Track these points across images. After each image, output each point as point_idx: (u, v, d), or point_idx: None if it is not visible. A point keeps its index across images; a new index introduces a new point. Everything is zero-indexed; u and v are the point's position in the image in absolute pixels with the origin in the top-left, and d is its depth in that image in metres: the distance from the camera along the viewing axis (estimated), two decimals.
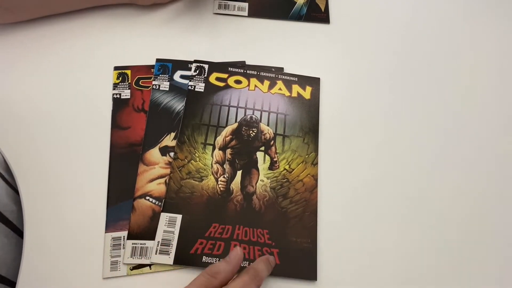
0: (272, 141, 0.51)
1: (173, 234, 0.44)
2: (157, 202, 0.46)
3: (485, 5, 0.66)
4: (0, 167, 0.49)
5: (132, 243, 0.44)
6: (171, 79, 0.54)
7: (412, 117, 0.55)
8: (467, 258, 0.47)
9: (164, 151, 0.49)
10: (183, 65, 0.55)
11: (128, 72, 0.53)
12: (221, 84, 0.54)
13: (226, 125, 0.51)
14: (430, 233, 0.48)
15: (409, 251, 0.47)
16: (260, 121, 0.52)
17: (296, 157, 0.50)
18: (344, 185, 0.50)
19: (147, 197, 0.46)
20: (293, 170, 0.49)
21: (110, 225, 0.45)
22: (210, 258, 0.43)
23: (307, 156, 0.50)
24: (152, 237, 0.44)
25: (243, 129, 0.51)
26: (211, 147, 0.49)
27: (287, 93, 0.54)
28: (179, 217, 0.45)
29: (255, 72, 0.55)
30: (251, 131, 0.51)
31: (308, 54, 0.58)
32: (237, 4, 0.61)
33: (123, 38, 0.56)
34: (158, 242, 0.44)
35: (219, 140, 0.50)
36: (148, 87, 0.53)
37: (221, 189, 0.47)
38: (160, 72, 0.54)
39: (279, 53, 0.58)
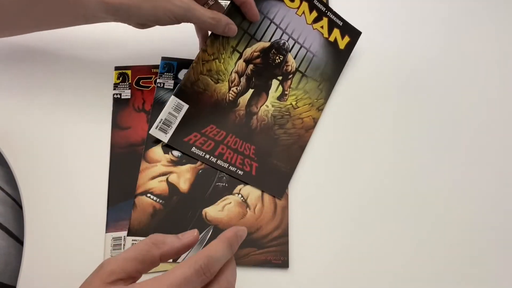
0: (291, 75, 0.53)
1: (176, 118, 0.48)
2: (158, 200, 0.47)
3: (492, 9, 0.62)
4: None
5: (132, 240, 0.45)
6: (175, 78, 0.53)
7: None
8: (463, 265, 0.48)
9: (167, 149, 0.49)
10: (189, 64, 0.50)
11: (129, 72, 0.53)
12: None
13: (260, 40, 0.52)
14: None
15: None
16: (290, 51, 0.53)
17: (305, 98, 0.53)
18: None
19: (148, 194, 0.47)
20: (298, 107, 0.53)
21: (111, 225, 0.45)
22: (198, 150, 0.49)
23: (315, 100, 0.53)
24: None
25: (272, 52, 0.52)
26: (238, 55, 0.51)
27: (326, 34, 0.55)
28: (185, 106, 0.49)
29: None
30: (277, 57, 0.53)
31: None
32: None
33: (124, 38, 0.54)
34: (161, 119, 0.48)
35: (248, 51, 0.51)
36: (149, 87, 0.53)
37: (230, 98, 0.51)
38: (165, 70, 0.53)
39: None
